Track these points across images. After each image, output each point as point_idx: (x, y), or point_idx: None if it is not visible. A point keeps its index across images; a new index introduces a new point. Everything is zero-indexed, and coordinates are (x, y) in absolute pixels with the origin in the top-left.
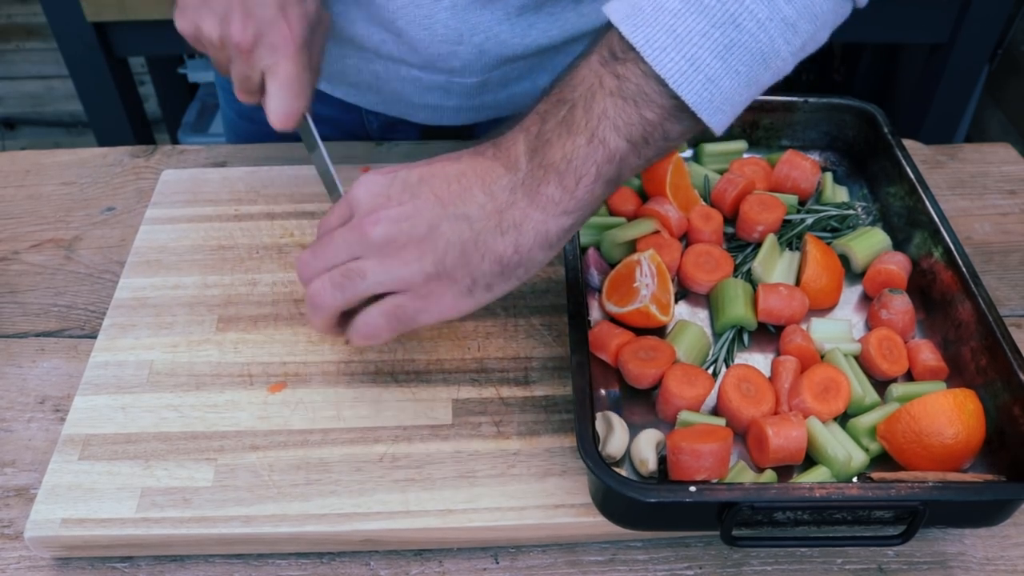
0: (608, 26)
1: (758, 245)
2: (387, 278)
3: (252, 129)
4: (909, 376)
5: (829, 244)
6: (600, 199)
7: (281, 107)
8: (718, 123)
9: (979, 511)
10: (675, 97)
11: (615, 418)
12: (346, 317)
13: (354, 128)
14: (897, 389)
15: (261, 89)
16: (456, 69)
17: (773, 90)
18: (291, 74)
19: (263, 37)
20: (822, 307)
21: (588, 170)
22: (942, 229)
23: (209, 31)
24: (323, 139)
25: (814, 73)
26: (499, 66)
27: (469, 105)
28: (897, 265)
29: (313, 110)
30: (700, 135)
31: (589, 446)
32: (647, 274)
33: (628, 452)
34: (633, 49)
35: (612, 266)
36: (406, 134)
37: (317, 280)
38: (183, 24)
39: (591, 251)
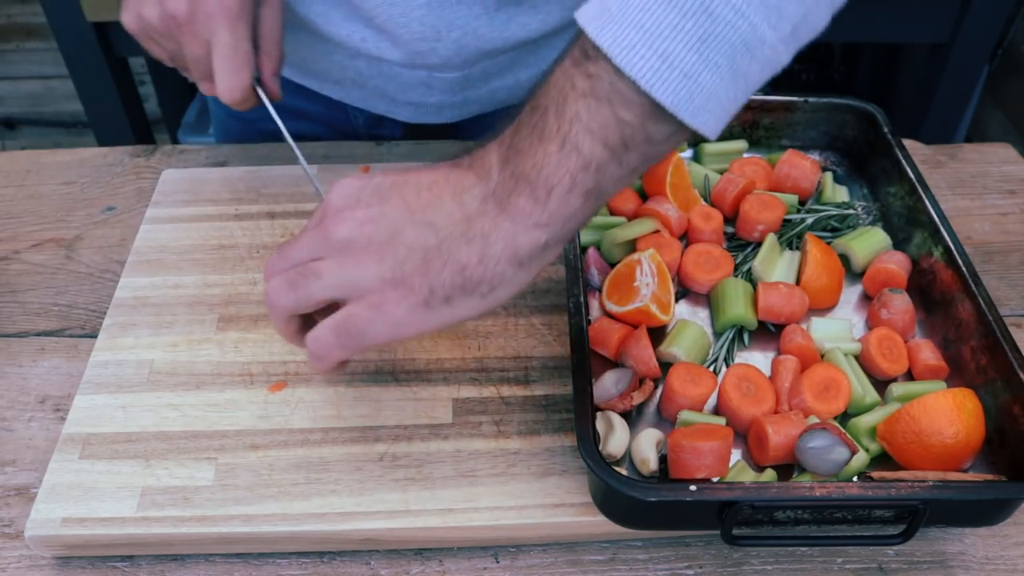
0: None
1: (758, 245)
2: (341, 279)
3: (242, 128)
4: (909, 376)
5: (829, 244)
6: (580, 214)
7: (225, 79)
8: (704, 123)
9: (979, 510)
10: (650, 96)
11: (615, 417)
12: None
13: (341, 125)
14: (897, 389)
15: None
16: (436, 65)
17: (773, 89)
18: (228, 43)
19: (199, 6)
20: (822, 307)
21: (561, 179)
22: (942, 229)
23: (149, 13)
24: (310, 137)
25: (814, 73)
26: (479, 60)
27: (451, 101)
28: (897, 264)
29: (279, 92)
30: (699, 135)
31: (589, 445)
32: (647, 273)
33: (628, 451)
34: (599, 48)
35: (612, 266)
36: (391, 131)
37: (274, 279)
38: (128, 18)
39: (591, 251)
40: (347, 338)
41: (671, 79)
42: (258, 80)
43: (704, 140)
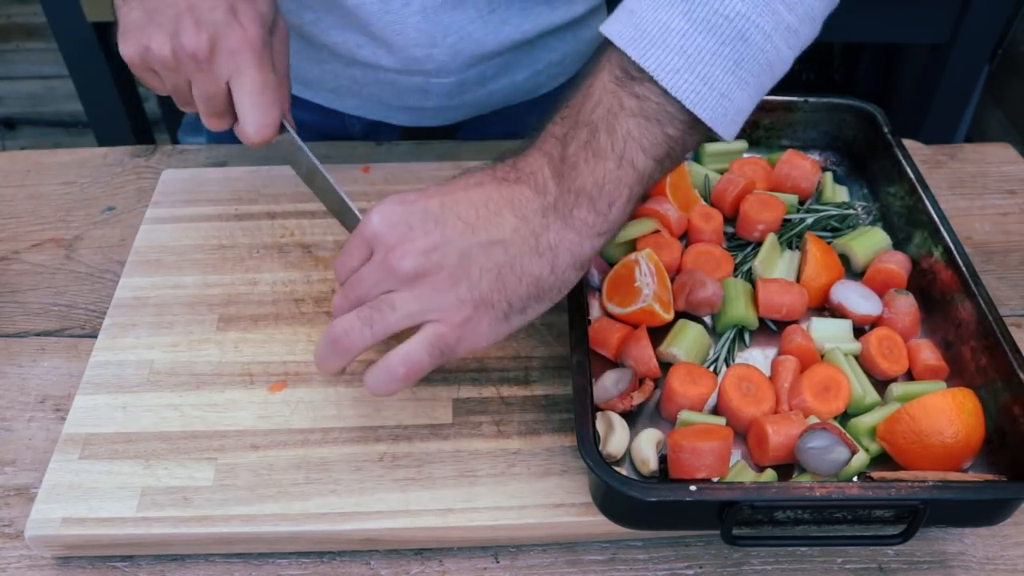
0: (609, 44)
1: (758, 245)
2: (420, 307)
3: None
4: (909, 376)
5: (829, 244)
6: (627, 218)
7: (256, 117)
8: (730, 133)
9: (979, 510)
10: (692, 113)
11: (615, 417)
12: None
13: (336, 133)
14: (897, 389)
15: (230, 107)
16: (432, 71)
17: (773, 90)
18: (258, 79)
19: (219, 42)
20: (822, 306)
21: (620, 193)
22: (942, 229)
23: (159, 48)
24: (306, 145)
25: (814, 73)
26: (475, 64)
27: (448, 105)
28: (897, 264)
29: (294, 121)
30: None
31: (589, 445)
32: (647, 273)
33: (628, 451)
34: (645, 71)
35: (612, 265)
36: (389, 136)
37: (342, 318)
38: (129, 49)
39: None
40: (440, 356)
41: (711, 98)
42: None
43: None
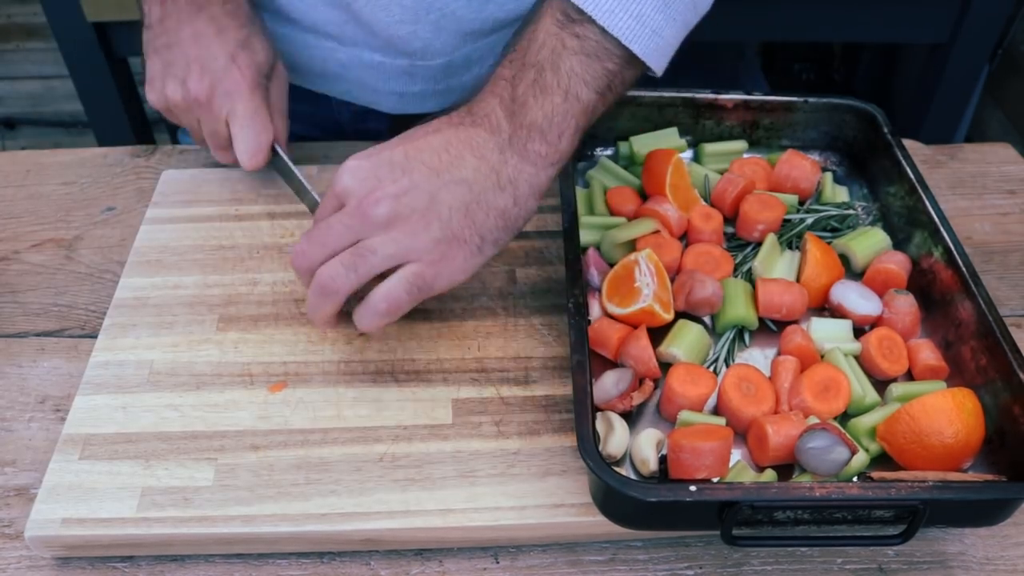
0: None
1: (758, 245)
2: (397, 249)
3: None
4: (909, 376)
5: (829, 244)
6: (575, 148)
7: (246, 143)
8: (660, 67)
9: (979, 510)
10: (628, 49)
11: (615, 417)
12: (343, 313)
13: (325, 122)
14: (897, 389)
15: (231, 141)
16: (417, 51)
17: (773, 90)
18: (248, 110)
19: (218, 86)
20: (822, 306)
21: (568, 124)
22: (942, 229)
23: (173, 94)
24: (297, 136)
25: (814, 73)
26: (459, 46)
27: (434, 90)
28: (897, 264)
29: (287, 149)
30: (699, 135)
31: (589, 445)
32: (646, 273)
33: (628, 451)
34: (585, 12)
35: (612, 266)
36: (377, 124)
37: (326, 266)
38: (153, 96)
39: (591, 251)
40: (418, 292)
41: (643, 35)
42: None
43: (704, 140)
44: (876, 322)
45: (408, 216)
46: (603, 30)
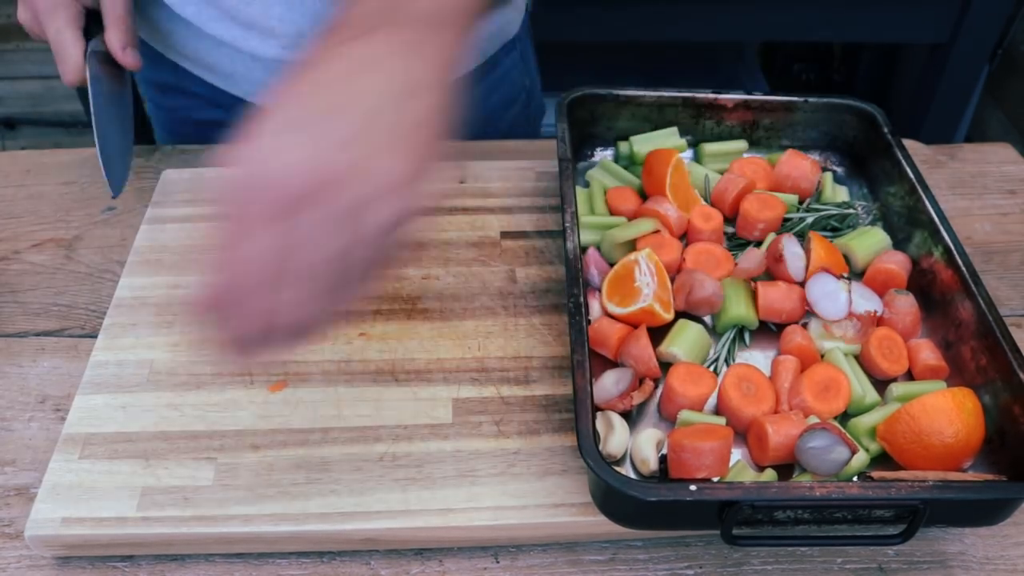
0: None
1: (758, 244)
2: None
3: (187, 131)
4: (909, 376)
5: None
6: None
7: (60, 68)
8: None
9: (979, 510)
10: None
11: (615, 417)
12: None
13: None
14: (897, 388)
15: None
16: (277, 30)
17: (773, 90)
18: (51, 35)
19: (34, 7)
20: None
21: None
22: (942, 229)
23: (23, 17)
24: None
25: (814, 73)
26: (319, 22)
27: None
28: (897, 264)
29: (125, 63)
30: (699, 135)
31: (589, 445)
32: (646, 273)
33: (628, 451)
34: None
35: (612, 266)
36: None
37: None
38: (20, 16)
39: (591, 251)
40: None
41: None
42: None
43: (704, 140)
44: (876, 322)
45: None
46: None
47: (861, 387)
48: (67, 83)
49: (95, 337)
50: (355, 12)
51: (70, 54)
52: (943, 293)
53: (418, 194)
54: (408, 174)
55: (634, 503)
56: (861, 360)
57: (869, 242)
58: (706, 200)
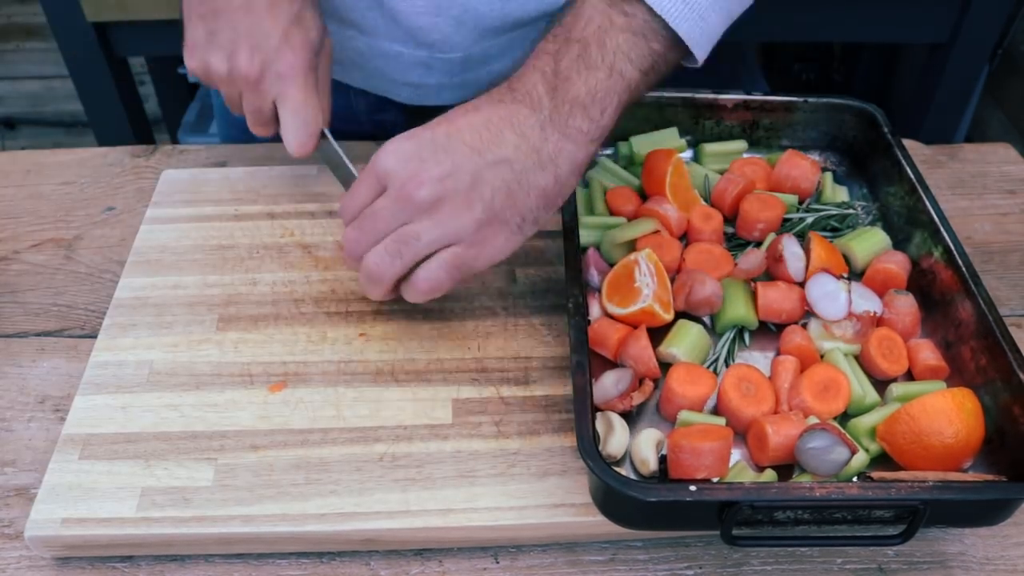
0: None
1: (758, 244)
2: (441, 233)
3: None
4: (909, 376)
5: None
6: (616, 123)
7: (295, 132)
8: (702, 53)
9: (979, 510)
10: (674, 31)
11: (615, 417)
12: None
13: (341, 111)
14: (897, 389)
15: (274, 119)
16: (437, 43)
17: (773, 90)
18: (299, 100)
19: (269, 66)
20: None
21: (611, 100)
22: (942, 229)
23: (217, 67)
24: None
25: (814, 73)
26: (478, 41)
27: (450, 83)
28: (897, 264)
29: (331, 126)
30: (699, 135)
31: (589, 445)
32: (646, 273)
33: (628, 452)
34: None
35: (612, 266)
36: (393, 115)
37: (371, 253)
38: (193, 63)
39: (591, 251)
40: (458, 272)
41: (691, 18)
42: None
43: (704, 140)
44: (876, 322)
45: (452, 198)
46: (651, 10)
47: (861, 387)
48: (303, 154)
49: (95, 337)
50: (520, 80)
51: (315, 125)
52: (943, 293)
53: (479, 257)
54: (488, 237)
55: (634, 503)
56: (861, 360)
57: (869, 242)
58: (706, 200)
